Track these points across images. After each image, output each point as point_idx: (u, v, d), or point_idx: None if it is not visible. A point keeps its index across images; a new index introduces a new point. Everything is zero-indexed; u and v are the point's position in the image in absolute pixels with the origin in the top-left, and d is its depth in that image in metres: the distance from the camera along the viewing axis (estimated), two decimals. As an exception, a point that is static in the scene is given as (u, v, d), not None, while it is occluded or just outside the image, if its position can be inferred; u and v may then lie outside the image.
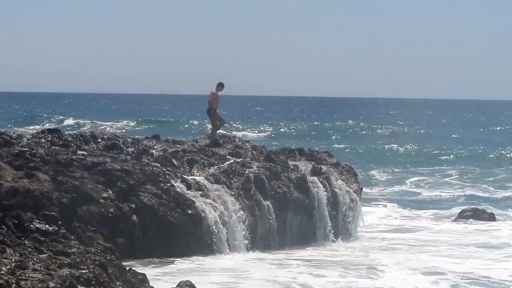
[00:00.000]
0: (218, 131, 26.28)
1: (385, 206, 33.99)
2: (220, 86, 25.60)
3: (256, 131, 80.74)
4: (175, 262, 19.28)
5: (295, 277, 18.27)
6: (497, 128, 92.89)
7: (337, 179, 24.69)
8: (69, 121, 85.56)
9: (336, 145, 61.49)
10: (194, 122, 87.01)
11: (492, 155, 55.74)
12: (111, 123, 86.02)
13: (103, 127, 77.13)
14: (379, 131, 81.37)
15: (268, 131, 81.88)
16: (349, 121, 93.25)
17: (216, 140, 25.49)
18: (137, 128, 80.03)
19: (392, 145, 61.93)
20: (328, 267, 19.96)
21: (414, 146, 60.62)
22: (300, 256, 21.54)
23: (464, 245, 24.76)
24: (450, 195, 38.07)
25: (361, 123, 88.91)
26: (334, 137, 74.87)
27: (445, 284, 18.40)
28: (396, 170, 47.52)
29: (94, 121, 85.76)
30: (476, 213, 31.04)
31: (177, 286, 11.04)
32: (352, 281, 18.22)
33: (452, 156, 55.38)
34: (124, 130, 72.34)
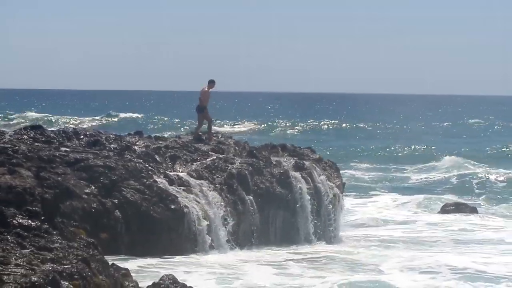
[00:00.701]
0: (211, 130, 26.38)
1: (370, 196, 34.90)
2: (212, 83, 25.77)
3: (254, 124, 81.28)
4: (158, 257, 19.33)
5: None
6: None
7: (320, 175, 24.76)
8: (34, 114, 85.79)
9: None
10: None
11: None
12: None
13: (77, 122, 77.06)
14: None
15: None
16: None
17: (199, 136, 25.61)
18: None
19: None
20: (325, 265, 20.08)
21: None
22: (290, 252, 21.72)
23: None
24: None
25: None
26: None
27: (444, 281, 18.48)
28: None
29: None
30: (458, 207, 31.39)
31: (160, 280, 11.08)
32: (346, 278, 18.24)
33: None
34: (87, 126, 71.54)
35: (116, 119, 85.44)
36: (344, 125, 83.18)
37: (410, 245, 23.86)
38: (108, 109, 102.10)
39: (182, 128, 70.58)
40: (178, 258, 19.58)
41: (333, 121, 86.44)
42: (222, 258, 20.17)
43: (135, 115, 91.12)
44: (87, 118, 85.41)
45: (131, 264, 17.58)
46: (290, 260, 20.41)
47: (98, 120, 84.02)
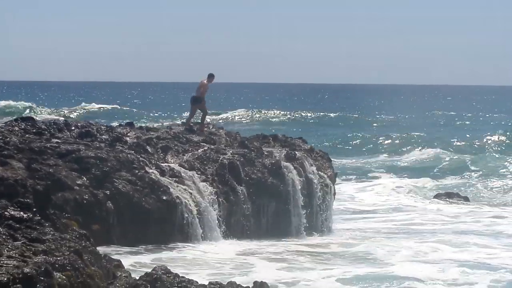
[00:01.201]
0: (204, 121, 26.52)
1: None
2: (211, 77, 26.15)
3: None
4: (150, 248, 19.36)
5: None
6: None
7: (311, 165, 24.78)
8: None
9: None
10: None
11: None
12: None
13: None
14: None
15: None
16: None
17: (191, 127, 25.65)
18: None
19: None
20: (320, 257, 20.13)
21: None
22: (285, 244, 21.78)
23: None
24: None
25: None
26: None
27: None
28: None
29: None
30: (450, 196, 31.67)
31: (153, 270, 11.11)
32: (346, 270, 18.27)
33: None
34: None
35: (82, 112, 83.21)
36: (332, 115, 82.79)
37: (409, 235, 23.98)
38: (90, 99, 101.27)
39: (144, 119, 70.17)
40: (170, 248, 19.63)
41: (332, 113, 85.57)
42: (220, 250, 20.21)
43: (110, 106, 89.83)
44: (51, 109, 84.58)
45: (124, 255, 17.65)
46: (292, 252, 20.48)
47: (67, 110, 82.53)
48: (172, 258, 18.85)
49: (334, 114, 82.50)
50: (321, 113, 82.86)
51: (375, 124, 73.45)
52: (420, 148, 49.46)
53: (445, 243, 22.18)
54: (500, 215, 28.27)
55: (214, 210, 21.08)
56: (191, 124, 26.14)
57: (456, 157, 45.11)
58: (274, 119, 78.60)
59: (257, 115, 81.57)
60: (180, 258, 19.06)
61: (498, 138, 53.62)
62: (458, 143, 52.32)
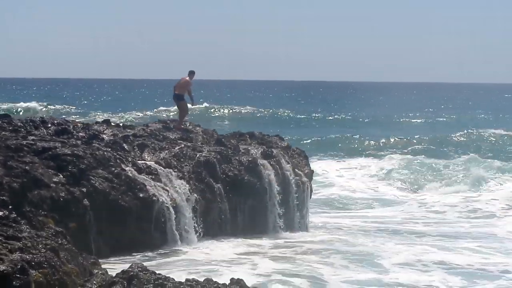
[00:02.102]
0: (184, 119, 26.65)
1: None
2: (192, 74, 26.26)
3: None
4: (128, 246, 19.36)
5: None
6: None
7: (288, 163, 24.85)
8: None
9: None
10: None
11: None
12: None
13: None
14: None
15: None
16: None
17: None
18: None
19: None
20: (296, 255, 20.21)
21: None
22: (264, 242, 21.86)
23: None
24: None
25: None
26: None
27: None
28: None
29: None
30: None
31: (129, 268, 11.13)
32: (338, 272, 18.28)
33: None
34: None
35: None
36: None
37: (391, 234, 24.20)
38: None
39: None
40: (148, 245, 19.66)
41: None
42: (196, 249, 20.27)
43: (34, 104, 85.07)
44: None
45: (101, 253, 17.64)
46: (269, 248, 20.58)
47: None
48: (150, 256, 18.93)
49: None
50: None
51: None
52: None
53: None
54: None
55: (191, 207, 21.08)
56: (183, 123, 26.35)
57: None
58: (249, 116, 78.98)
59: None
60: (158, 256, 19.15)
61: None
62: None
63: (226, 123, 69.52)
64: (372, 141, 52.25)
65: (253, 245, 21.29)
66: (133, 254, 19.10)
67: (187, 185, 21.46)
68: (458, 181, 34.84)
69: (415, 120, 77.46)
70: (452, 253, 20.82)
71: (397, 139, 52.94)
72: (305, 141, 51.45)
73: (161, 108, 79.93)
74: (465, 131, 56.76)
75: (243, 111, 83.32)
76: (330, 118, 78.86)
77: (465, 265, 19.41)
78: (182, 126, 26.01)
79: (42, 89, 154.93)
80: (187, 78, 26.04)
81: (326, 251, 20.65)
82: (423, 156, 41.90)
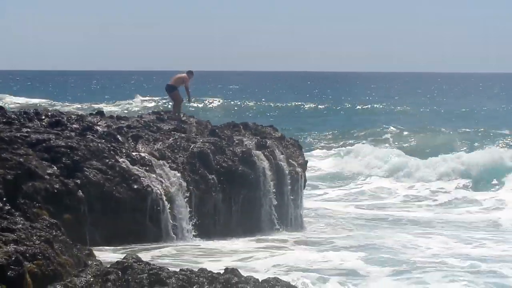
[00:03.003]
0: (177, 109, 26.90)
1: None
2: (190, 73, 26.85)
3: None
4: (122, 237, 19.39)
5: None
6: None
7: (282, 153, 24.90)
8: None
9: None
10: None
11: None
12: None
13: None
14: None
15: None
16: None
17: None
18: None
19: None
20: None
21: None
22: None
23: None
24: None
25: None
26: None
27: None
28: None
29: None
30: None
31: (123, 258, 11.18)
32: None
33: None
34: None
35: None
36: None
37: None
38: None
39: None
40: (142, 236, 19.70)
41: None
42: (190, 241, 20.34)
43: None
44: None
45: (96, 245, 17.68)
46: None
47: None
48: (144, 247, 18.99)
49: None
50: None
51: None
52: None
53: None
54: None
55: (185, 199, 21.12)
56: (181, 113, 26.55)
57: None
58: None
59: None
60: (153, 247, 19.19)
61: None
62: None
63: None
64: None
65: (248, 236, 21.38)
66: (128, 245, 19.12)
67: (181, 176, 21.49)
68: None
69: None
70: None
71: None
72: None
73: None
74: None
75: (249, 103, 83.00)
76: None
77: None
78: (177, 115, 26.11)
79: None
80: (185, 75, 26.32)
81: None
82: None
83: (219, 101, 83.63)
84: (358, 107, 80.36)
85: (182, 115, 26.96)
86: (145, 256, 15.89)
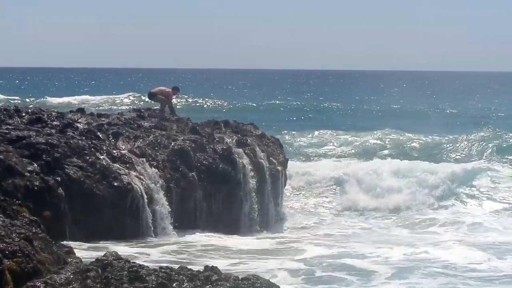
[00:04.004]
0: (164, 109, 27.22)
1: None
2: (176, 90, 27.91)
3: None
4: (102, 235, 19.39)
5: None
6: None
7: (263, 151, 24.96)
8: None
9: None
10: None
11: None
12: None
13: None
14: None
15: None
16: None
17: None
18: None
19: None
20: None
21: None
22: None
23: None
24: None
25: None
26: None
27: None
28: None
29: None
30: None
31: (103, 256, 11.18)
32: None
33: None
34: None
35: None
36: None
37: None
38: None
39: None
40: (123, 234, 19.70)
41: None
42: (169, 240, 20.33)
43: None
44: None
45: (76, 242, 17.66)
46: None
47: None
48: (124, 245, 18.98)
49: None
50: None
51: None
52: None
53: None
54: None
55: (165, 196, 21.12)
56: (166, 115, 26.71)
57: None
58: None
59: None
60: (133, 245, 19.19)
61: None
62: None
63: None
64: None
65: (228, 234, 21.42)
66: (108, 242, 19.11)
67: (162, 174, 21.50)
68: None
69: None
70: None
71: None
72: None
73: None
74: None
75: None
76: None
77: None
78: (165, 115, 26.42)
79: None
80: (169, 90, 26.92)
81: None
82: None
83: (220, 101, 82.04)
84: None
85: (165, 113, 27.16)
86: (125, 252, 15.93)
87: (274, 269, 16.75)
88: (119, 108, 60.17)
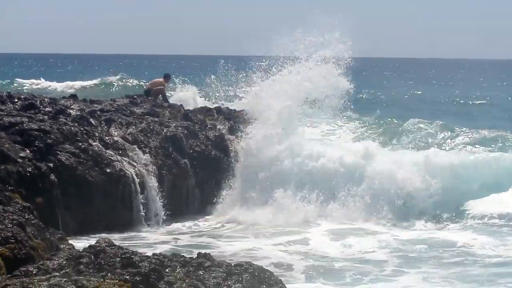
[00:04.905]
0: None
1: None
2: (167, 77, 29.17)
3: None
4: (95, 221, 19.42)
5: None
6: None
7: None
8: None
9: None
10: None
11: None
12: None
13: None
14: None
15: None
16: None
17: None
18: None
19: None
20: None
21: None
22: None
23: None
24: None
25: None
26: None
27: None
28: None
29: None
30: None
31: (96, 243, 11.21)
32: None
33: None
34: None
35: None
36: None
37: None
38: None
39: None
40: (115, 222, 19.73)
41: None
42: (162, 229, 20.36)
43: None
44: None
45: (69, 228, 17.67)
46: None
47: None
48: (117, 232, 19.03)
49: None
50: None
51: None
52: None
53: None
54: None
55: (158, 183, 21.14)
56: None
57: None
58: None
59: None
60: (125, 231, 19.24)
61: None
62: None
63: None
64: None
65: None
66: (100, 229, 19.12)
67: (154, 160, 21.52)
68: None
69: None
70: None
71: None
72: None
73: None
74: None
75: None
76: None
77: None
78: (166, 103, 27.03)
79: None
80: (161, 79, 27.78)
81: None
82: None
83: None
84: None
85: (159, 98, 27.66)
86: (118, 239, 15.98)
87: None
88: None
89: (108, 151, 20.70)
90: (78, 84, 70.82)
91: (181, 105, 27.20)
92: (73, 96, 25.55)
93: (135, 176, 20.44)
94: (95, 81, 72.13)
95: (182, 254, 11.41)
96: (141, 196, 20.46)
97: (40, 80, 76.66)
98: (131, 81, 72.62)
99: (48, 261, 10.70)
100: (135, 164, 20.90)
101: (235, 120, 25.64)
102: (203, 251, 11.75)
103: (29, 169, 18.48)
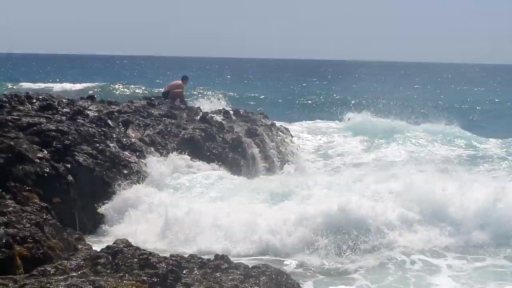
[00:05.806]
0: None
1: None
2: (185, 79, 28.90)
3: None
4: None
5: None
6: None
7: (272, 141, 24.98)
8: None
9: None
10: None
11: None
12: None
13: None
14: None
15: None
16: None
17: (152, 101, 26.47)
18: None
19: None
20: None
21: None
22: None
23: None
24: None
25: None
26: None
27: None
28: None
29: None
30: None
31: (114, 243, 11.22)
32: None
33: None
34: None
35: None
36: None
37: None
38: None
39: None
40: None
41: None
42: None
43: None
44: None
45: (86, 229, 17.66)
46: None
47: None
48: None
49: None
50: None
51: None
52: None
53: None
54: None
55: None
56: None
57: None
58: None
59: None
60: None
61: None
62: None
63: None
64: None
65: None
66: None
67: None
68: None
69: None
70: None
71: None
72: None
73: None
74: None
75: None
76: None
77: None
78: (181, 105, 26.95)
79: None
80: (179, 82, 27.77)
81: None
82: None
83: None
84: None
85: (177, 102, 27.51)
86: (135, 241, 15.92)
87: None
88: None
89: (125, 152, 20.71)
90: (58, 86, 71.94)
91: (198, 107, 27.24)
92: (91, 97, 25.61)
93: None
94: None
95: (200, 256, 11.40)
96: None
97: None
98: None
99: (66, 261, 10.72)
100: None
101: (253, 122, 25.62)
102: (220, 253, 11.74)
103: (47, 170, 18.50)
